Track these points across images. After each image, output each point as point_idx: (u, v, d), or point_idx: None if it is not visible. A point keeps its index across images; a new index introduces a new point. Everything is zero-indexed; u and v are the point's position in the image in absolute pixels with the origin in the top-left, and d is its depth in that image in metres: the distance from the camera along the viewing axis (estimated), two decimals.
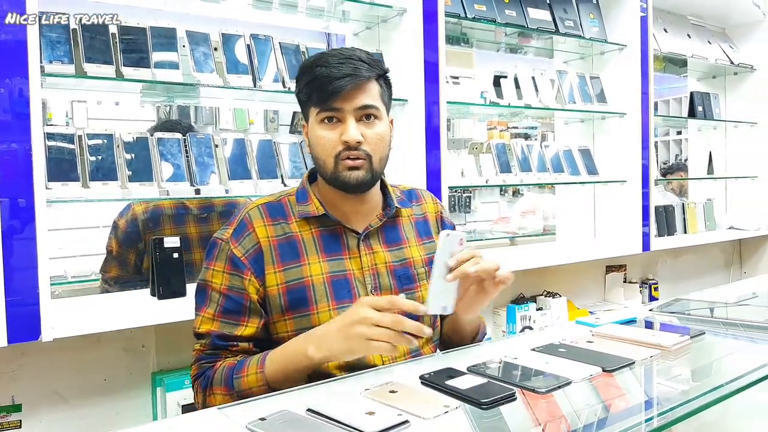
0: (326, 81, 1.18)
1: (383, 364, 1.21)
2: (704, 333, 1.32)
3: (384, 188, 1.35)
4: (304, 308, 1.21)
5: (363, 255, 1.27)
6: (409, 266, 1.31)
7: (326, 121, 1.21)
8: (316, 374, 1.16)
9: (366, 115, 1.22)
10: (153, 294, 1.72)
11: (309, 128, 1.26)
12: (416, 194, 1.44)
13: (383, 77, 1.27)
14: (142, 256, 1.96)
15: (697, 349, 1.25)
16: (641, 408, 1.01)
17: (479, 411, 0.93)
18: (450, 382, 1.00)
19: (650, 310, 1.59)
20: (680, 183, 4.40)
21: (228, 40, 1.84)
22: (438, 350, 1.35)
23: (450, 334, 1.38)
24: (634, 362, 1.12)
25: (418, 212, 1.40)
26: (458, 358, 1.17)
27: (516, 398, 0.96)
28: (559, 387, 1.00)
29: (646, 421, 0.91)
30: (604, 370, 1.08)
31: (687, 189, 4.10)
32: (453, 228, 1.43)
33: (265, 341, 1.22)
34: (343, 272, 1.25)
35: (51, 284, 1.53)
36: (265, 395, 1.03)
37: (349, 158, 1.20)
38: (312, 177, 1.34)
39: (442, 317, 1.40)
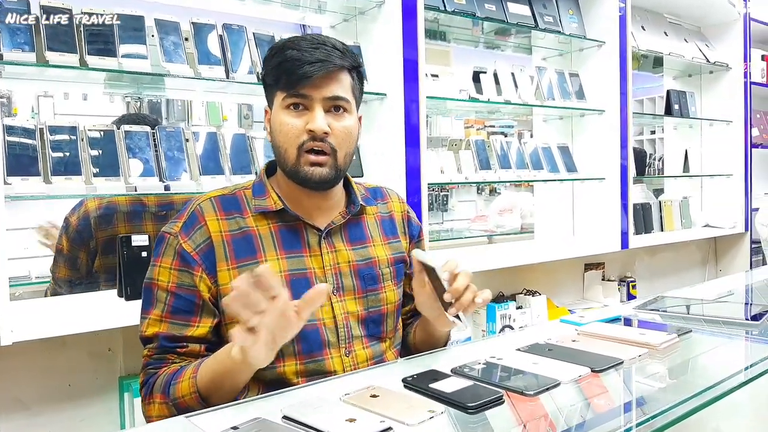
0: (297, 64, 1.10)
1: (344, 372, 1.14)
2: (691, 331, 1.30)
3: (348, 185, 1.28)
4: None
5: (325, 253, 1.19)
6: (374, 266, 1.24)
7: (292, 107, 1.13)
8: (276, 381, 1.09)
9: (335, 106, 1.15)
10: (120, 295, 1.64)
11: (272, 114, 1.18)
12: (382, 192, 1.37)
13: (356, 70, 1.20)
14: (93, 256, 1.84)
15: (685, 347, 1.22)
16: (634, 410, 0.97)
17: (466, 415, 0.88)
18: (434, 386, 0.95)
19: (634, 308, 1.56)
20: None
21: (199, 29, 1.77)
22: (399, 356, 1.29)
23: (419, 343, 1.31)
24: (622, 362, 1.09)
25: (384, 210, 1.33)
26: (441, 360, 1.13)
27: (503, 401, 0.92)
28: (548, 389, 0.96)
29: (641, 423, 0.87)
30: (592, 371, 1.04)
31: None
32: (419, 230, 1.39)
33: (218, 345, 1.09)
34: (303, 271, 1.16)
35: (12, 285, 1.46)
36: (238, 401, 0.97)
37: (312, 151, 1.13)
38: (271, 170, 1.25)
39: (406, 324, 1.36)
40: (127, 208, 1.86)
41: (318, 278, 1.17)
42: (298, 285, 1.13)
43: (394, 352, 1.27)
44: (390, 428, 0.81)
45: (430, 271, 1.10)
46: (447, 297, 1.08)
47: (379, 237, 1.29)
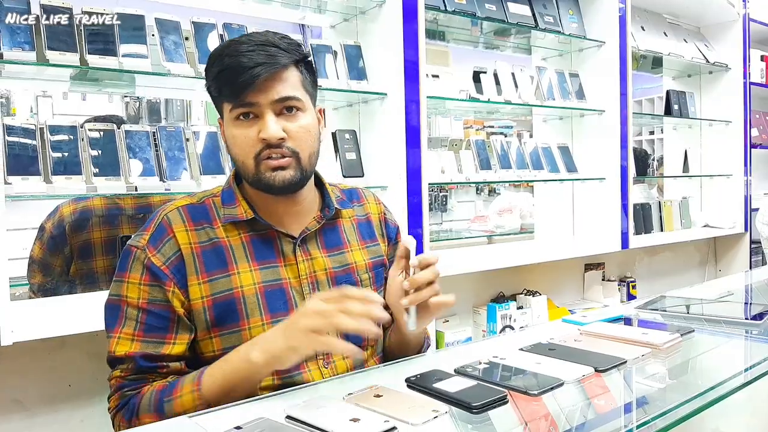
0: (236, 72, 1.03)
1: (322, 378, 1.10)
2: (693, 330, 1.29)
3: (321, 187, 1.22)
4: (233, 324, 1.06)
5: (300, 262, 1.13)
6: (352, 272, 1.19)
7: (242, 117, 1.07)
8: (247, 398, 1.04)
9: (287, 107, 1.07)
10: None
11: (225, 127, 1.11)
12: (357, 194, 1.31)
13: (303, 62, 1.11)
14: (68, 263, 1.78)
15: (687, 346, 1.22)
16: (639, 409, 0.96)
17: (470, 415, 0.88)
18: (438, 385, 0.95)
19: (636, 307, 1.56)
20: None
21: (200, 29, 1.77)
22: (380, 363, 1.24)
23: (394, 346, 1.25)
24: (626, 361, 1.08)
25: (360, 213, 1.27)
26: (444, 359, 1.12)
27: (507, 401, 0.91)
28: (552, 388, 0.96)
29: (645, 423, 0.86)
30: (596, 370, 1.04)
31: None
32: (397, 230, 1.34)
33: (193, 361, 1.07)
34: (278, 282, 1.11)
35: (11, 285, 1.44)
36: (241, 401, 0.96)
37: (271, 158, 1.06)
38: (239, 176, 1.17)
39: (385, 329, 1.28)
40: (102, 212, 1.80)
41: (294, 288, 1.12)
42: (273, 297, 1.10)
43: (376, 359, 1.22)
44: (394, 428, 0.80)
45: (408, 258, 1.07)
46: (405, 285, 1.05)
47: (357, 241, 1.23)
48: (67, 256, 1.79)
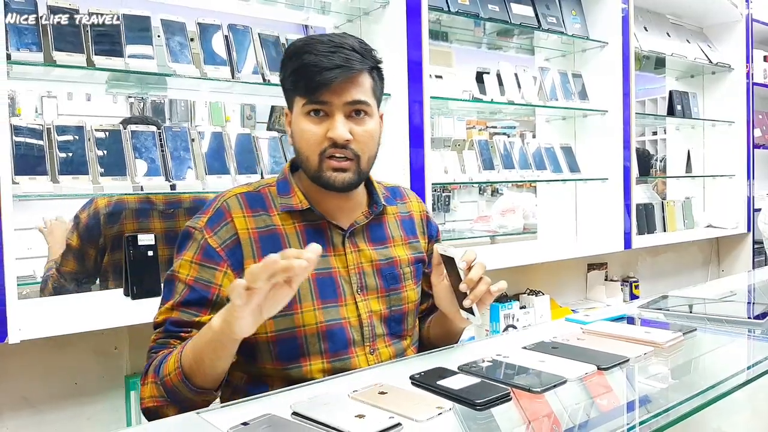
0: (315, 71, 1.08)
1: (367, 365, 1.16)
2: (695, 329, 1.30)
3: (369, 184, 1.28)
4: (286, 307, 1.07)
5: (348, 253, 1.19)
6: (395, 265, 1.25)
7: (312, 114, 1.12)
8: (301, 380, 1.09)
9: (356, 110, 1.13)
10: (126, 294, 1.65)
11: (293, 119, 1.16)
12: (400, 192, 1.37)
13: (376, 69, 1.18)
14: (102, 253, 1.88)
15: (689, 345, 1.23)
16: (641, 407, 0.97)
17: (473, 412, 0.88)
18: (442, 382, 0.96)
19: (638, 307, 1.57)
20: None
21: (205, 30, 1.78)
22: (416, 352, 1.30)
23: (434, 338, 1.33)
24: (628, 359, 1.09)
25: (404, 210, 1.34)
26: (447, 357, 1.13)
27: (511, 398, 0.92)
28: (555, 386, 0.97)
29: (646, 421, 0.87)
30: (598, 368, 1.04)
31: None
32: (437, 229, 1.40)
33: (247, 343, 1.08)
34: (328, 270, 1.17)
35: (18, 284, 1.46)
36: (248, 398, 0.98)
37: (335, 157, 1.12)
38: (294, 166, 1.24)
39: (420, 320, 1.37)
40: (135, 206, 1.89)
41: (342, 277, 1.18)
42: (323, 284, 1.15)
43: (413, 349, 1.28)
44: (399, 424, 0.81)
45: (449, 262, 1.13)
46: (462, 287, 1.10)
47: (400, 237, 1.29)
48: (101, 247, 1.86)
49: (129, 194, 1.79)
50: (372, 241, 1.24)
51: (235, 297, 0.89)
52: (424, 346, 1.33)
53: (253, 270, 0.88)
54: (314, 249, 0.92)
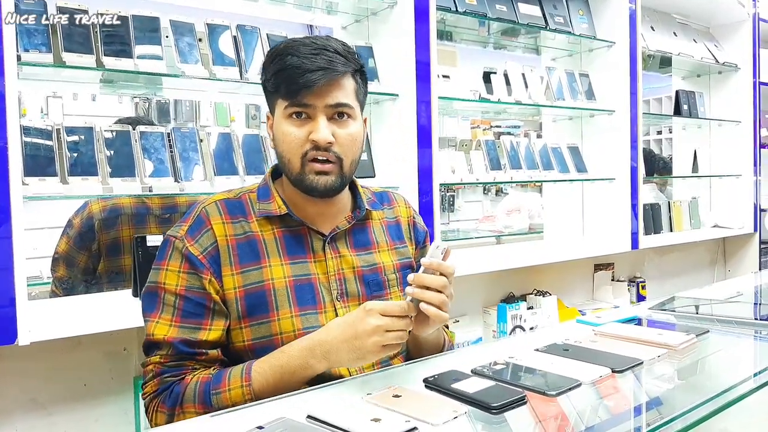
0: (297, 73, 1.06)
1: (348, 374, 1.11)
2: (708, 331, 1.29)
3: (354, 188, 1.25)
4: (263, 315, 1.09)
5: (329, 258, 1.17)
6: (379, 272, 1.22)
7: (294, 116, 1.10)
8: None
9: (339, 113, 1.11)
10: (135, 295, 1.64)
11: (275, 122, 1.15)
12: (389, 197, 1.34)
13: (360, 72, 1.16)
14: (95, 260, 1.82)
15: (703, 347, 1.22)
16: (656, 410, 0.97)
17: (489, 416, 0.88)
18: (456, 386, 0.96)
19: (649, 308, 1.56)
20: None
21: (213, 30, 1.78)
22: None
23: (411, 347, 1.23)
24: (642, 362, 1.09)
25: (390, 215, 1.30)
26: (460, 360, 1.13)
27: (526, 401, 0.92)
28: (570, 389, 0.96)
29: (662, 425, 0.87)
30: (613, 371, 1.04)
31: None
32: (425, 234, 1.36)
33: (224, 350, 1.11)
34: (307, 276, 1.14)
35: (28, 285, 1.46)
36: (260, 401, 0.97)
37: (317, 160, 1.10)
38: (276, 173, 1.22)
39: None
40: (131, 211, 1.85)
41: (322, 284, 1.15)
42: (302, 291, 1.12)
43: (400, 358, 1.23)
44: (415, 428, 0.81)
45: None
46: (409, 278, 1.01)
47: (385, 242, 1.26)
48: (94, 253, 1.82)
49: (123, 196, 1.75)
50: (355, 246, 1.21)
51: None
52: (408, 356, 1.26)
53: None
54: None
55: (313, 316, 1.12)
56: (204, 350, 1.07)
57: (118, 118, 2.22)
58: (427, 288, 1.00)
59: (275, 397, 0.98)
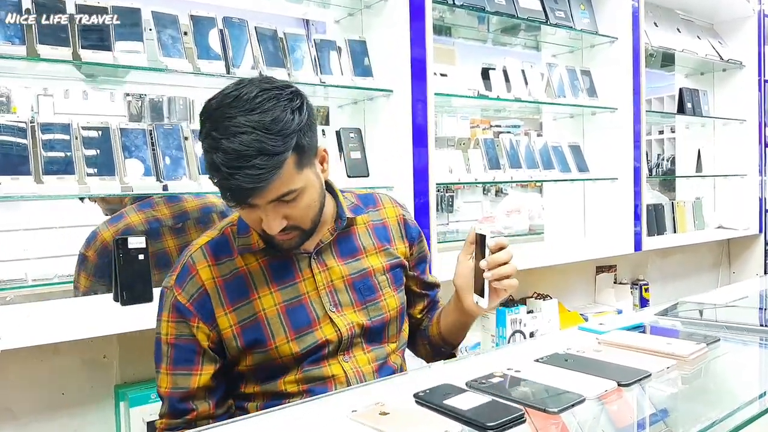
0: (226, 185, 1.00)
1: (345, 375, 1.14)
2: (719, 339, 1.22)
3: (335, 197, 1.24)
4: (261, 345, 1.12)
5: (316, 274, 1.17)
6: (369, 276, 1.22)
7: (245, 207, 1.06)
8: (277, 395, 1.10)
9: (285, 200, 1.05)
10: (116, 299, 1.57)
11: None
12: (373, 198, 1.33)
13: (300, 131, 1.02)
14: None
15: (714, 357, 1.14)
16: (667, 429, 0.89)
17: None
18: (449, 402, 0.88)
19: (655, 314, 1.49)
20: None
21: (198, 23, 1.70)
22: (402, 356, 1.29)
23: (444, 329, 1.32)
24: (650, 374, 1.01)
25: (376, 218, 1.30)
26: (454, 372, 1.06)
27: (525, 420, 0.84)
28: (572, 405, 0.89)
29: None
30: (619, 384, 0.97)
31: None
32: (419, 231, 1.36)
33: (227, 369, 1.16)
34: (298, 298, 1.15)
35: (5, 289, 1.38)
36: (237, 419, 0.90)
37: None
38: None
39: (420, 321, 1.39)
40: (144, 227, 1.78)
41: (313, 301, 1.16)
42: (294, 313, 1.14)
43: (399, 354, 1.26)
44: None
45: (480, 242, 1.16)
46: (482, 263, 1.13)
47: (372, 246, 1.25)
48: None
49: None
50: (342, 255, 1.21)
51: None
52: (432, 344, 1.35)
53: None
54: None
55: (310, 334, 1.13)
56: (195, 406, 1.11)
57: (107, 116, 2.14)
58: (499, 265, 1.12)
59: (250, 415, 0.90)
